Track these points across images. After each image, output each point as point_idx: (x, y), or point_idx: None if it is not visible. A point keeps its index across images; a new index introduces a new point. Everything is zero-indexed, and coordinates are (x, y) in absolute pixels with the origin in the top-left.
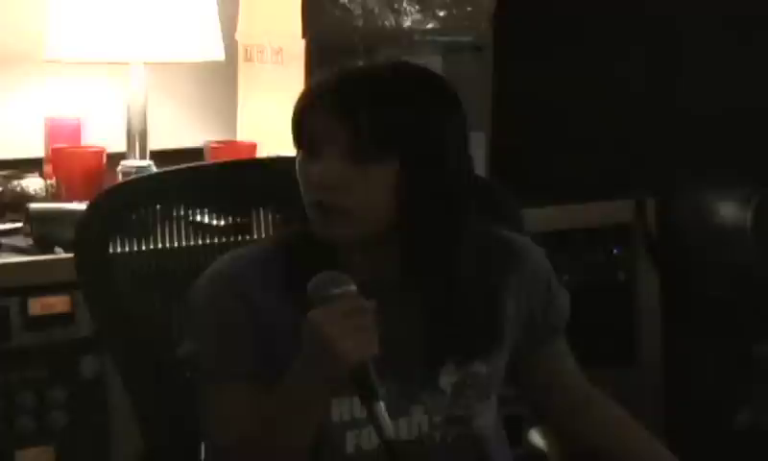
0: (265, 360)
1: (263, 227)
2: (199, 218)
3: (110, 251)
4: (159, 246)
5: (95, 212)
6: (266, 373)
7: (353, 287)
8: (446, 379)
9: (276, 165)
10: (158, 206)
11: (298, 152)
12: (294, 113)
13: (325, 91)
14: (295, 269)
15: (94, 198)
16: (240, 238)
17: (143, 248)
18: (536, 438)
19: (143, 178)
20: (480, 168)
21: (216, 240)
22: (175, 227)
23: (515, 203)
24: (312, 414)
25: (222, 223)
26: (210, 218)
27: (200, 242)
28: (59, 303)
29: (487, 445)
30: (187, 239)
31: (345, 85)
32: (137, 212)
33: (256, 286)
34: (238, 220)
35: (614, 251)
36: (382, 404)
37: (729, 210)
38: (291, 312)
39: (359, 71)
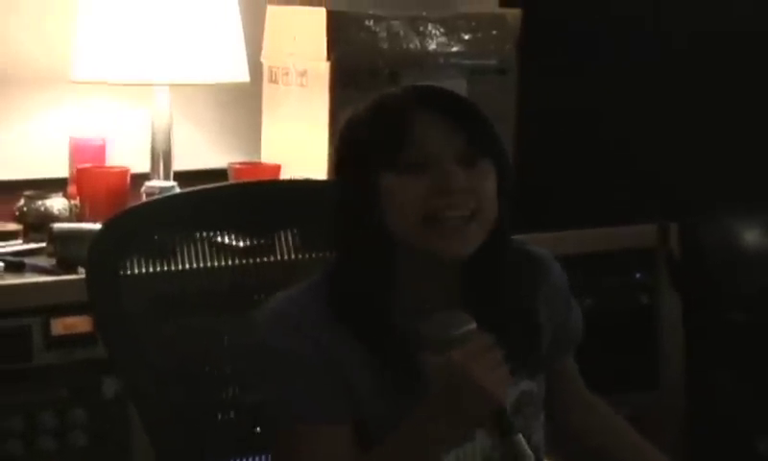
0: (340, 398)
1: (285, 249)
2: (219, 239)
3: (122, 272)
4: (173, 268)
5: (108, 232)
6: (345, 411)
7: (474, 325)
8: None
9: (299, 186)
10: (175, 228)
11: (393, 166)
12: (394, 124)
13: (434, 99)
14: (349, 301)
15: (109, 218)
16: (261, 260)
17: (158, 269)
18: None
19: (160, 199)
20: None
21: (237, 262)
22: (197, 248)
23: None
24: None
25: (243, 244)
26: (231, 240)
27: (222, 263)
28: (81, 324)
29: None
30: (209, 260)
31: (450, 94)
32: (153, 233)
33: (317, 324)
34: (260, 242)
35: (637, 275)
36: (521, 435)
37: (752, 235)
38: (352, 346)
39: (436, 85)
